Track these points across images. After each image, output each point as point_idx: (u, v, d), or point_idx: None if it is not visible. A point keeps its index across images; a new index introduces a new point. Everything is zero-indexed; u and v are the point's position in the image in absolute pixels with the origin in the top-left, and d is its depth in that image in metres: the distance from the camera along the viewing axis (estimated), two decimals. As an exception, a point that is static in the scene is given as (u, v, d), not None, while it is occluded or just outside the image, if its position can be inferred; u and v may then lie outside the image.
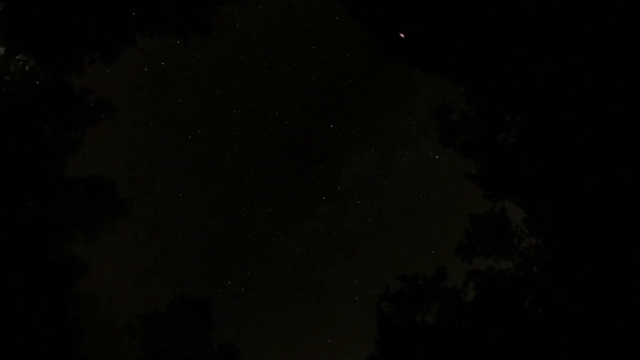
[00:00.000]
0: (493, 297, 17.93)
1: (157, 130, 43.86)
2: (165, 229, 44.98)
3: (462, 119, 16.96)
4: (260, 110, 45.50)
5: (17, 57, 13.38)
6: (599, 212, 12.32)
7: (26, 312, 13.42)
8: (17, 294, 13.19)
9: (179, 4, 14.64)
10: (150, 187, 41.94)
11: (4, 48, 13.11)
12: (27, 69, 13.59)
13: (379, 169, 49.04)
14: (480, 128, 16.92)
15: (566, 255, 15.12)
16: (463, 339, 17.19)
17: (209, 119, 47.82)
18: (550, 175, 14.07)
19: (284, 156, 48.82)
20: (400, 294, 22.97)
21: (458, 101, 16.86)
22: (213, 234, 48.02)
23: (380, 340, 22.32)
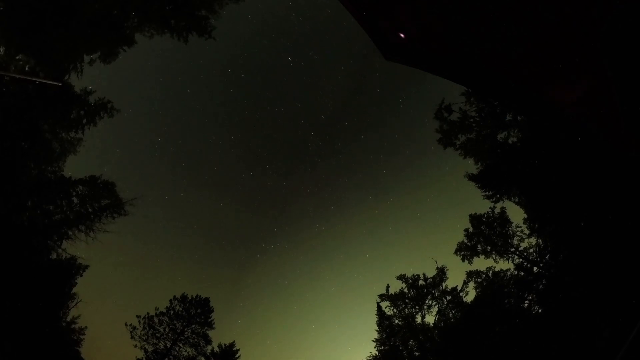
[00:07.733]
0: (493, 297, 17.92)
1: (140, 127, 43.08)
2: (166, 227, 44.86)
3: (462, 119, 16.97)
4: (210, 75, 40.88)
5: (17, 57, 13.37)
6: (598, 212, 12.32)
7: (26, 312, 13.41)
8: (17, 294, 13.19)
9: (178, 4, 14.64)
10: (149, 186, 41.56)
11: (4, 48, 13.09)
12: (27, 69, 13.58)
13: (355, 85, 46.62)
14: (480, 128, 16.91)
15: (566, 255, 15.11)
16: (463, 339, 17.17)
17: (170, 111, 45.25)
18: (550, 175, 14.06)
19: (257, 108, 45.32)
20: (400, 294, 22.99)
21: (458, 101, 16.90)
22: (225, 214, 47.71)
23: (380, 340, 22.33)
